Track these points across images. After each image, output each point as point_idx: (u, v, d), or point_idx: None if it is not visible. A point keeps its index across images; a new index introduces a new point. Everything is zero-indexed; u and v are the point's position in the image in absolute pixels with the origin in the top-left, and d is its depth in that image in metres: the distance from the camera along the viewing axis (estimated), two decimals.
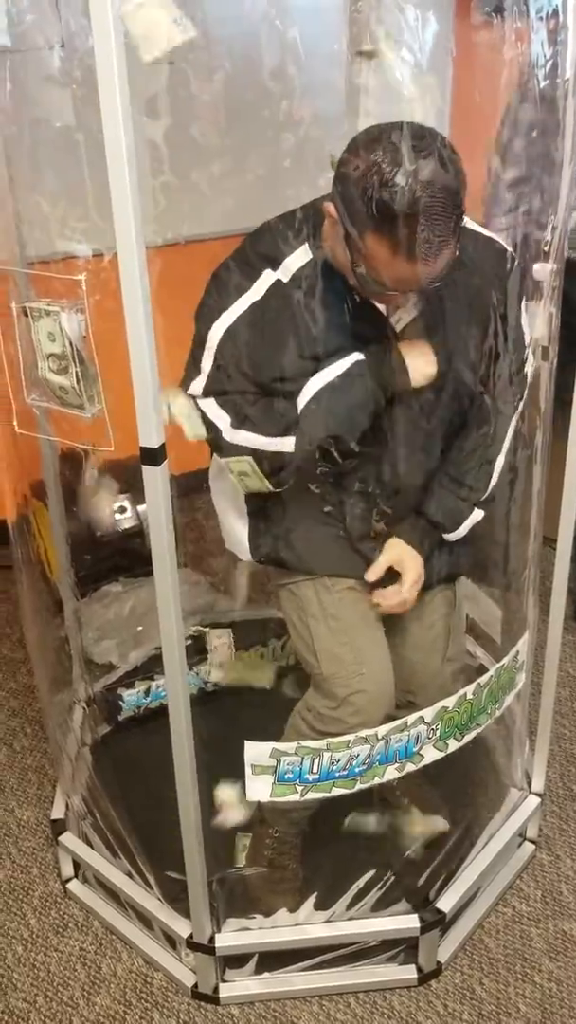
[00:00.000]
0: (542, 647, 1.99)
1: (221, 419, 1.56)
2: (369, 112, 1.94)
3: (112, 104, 1.06)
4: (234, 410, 1.56)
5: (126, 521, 2.85)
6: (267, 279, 1.49)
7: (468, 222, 1.49)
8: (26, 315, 1.32)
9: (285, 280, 1.48)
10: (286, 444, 1.54)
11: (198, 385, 1.56)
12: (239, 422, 1.57)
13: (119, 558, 2.82)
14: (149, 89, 1.18)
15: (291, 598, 1.75)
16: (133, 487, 2.85)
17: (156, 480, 1.30)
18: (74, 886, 2.11)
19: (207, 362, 1.57)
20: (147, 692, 2.48)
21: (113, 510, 2.84)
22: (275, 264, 1.49)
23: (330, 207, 1.37)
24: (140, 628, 2.67)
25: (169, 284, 1.30)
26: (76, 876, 2.13)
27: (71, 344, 1.30)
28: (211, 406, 1.57)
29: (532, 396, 1.72)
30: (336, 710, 1.71)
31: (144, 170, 1.11)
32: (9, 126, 1.42)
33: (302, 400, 1.52)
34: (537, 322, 1.63)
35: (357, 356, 1.52)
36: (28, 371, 1.38)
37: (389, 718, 1.69)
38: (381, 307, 1.53)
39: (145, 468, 1.29)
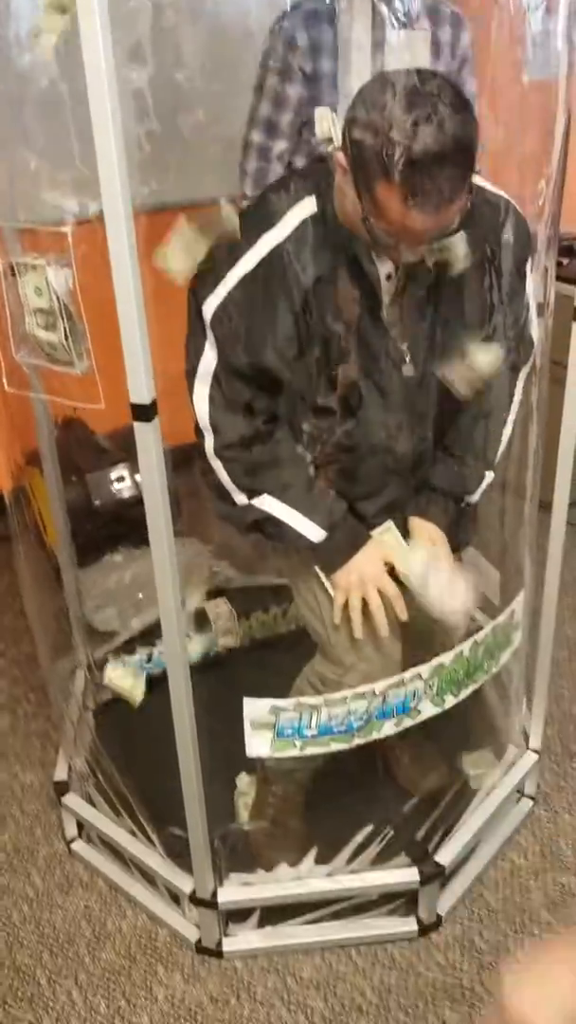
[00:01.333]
0: (539, 608, 2.00)
1: (205, 422, 1.57)
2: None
3: (95, 54, 1.06)
4: (223, 429, 1.57)
5: (125, 490, 2.87)
6: (263, 245, 1.46)
7: (481, 181, 1.49)
8: (12, 272, 1.32)
9: (285, 234, 1.45)
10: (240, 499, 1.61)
11: (198, 372, 1.54)
12: (220, 447, 1.58)
13: (118, 527, 2.83)
14: (132, 36, 1.17)
15: (298, 567, 1.75)
16: (132, 456, 2.86)
17: (148, 437, 1.30)
18: (78, 846, 2.14)
19: (209, 347, 1.53)
20: (149, 658, 2.49)
21: (111, 479, 2.86)
22: (275, 221, 1.46)
23: (340, 157, 1.35)
24: (141, 596, 2.68)
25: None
26: (80, 836, 2.15)
27: (58, 299, 1.30)
28: (202, 399, 1.56)
29: None
30: (343, 676, 1.71)
31: (128, 119, 1.10)
32: None
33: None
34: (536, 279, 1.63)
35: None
36: (16, 328, 1.38)
37: None
38: (382, 270, 1.50)
39: (137, 425, 1.29)
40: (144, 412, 1.28)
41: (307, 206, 1.47)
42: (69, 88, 1.19)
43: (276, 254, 1.45)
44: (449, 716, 1.80)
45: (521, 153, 1.63)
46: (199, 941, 1.92)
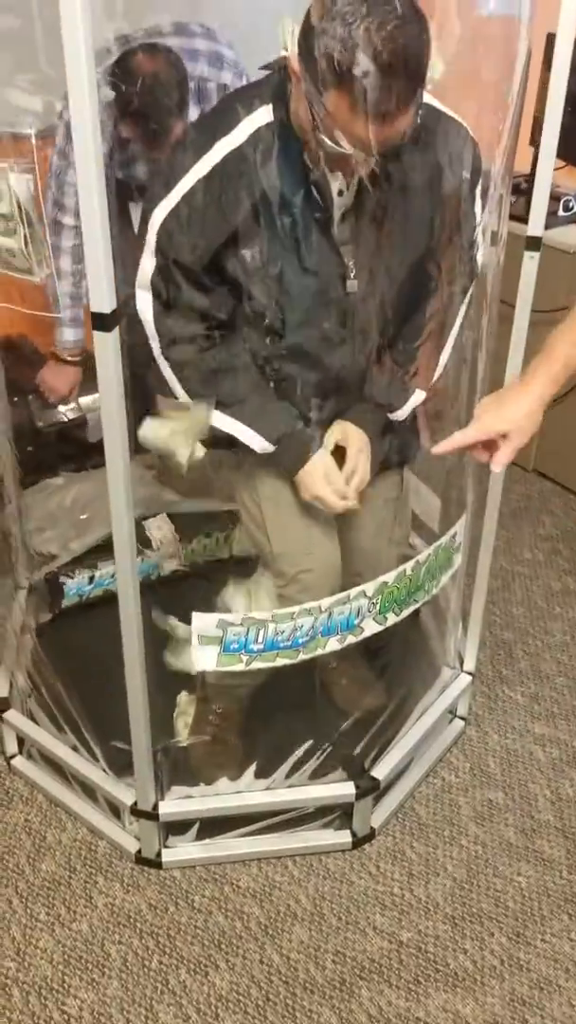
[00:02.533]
0: (477, 538, 2.06)
1: (151, 328, 1.58)
2: None
3: None
4: (168, 328, 1.58)
5: (69, 412, 2.84)
6: (218, 151, 1.46)
7: (428, 98, 1.48)
8: None
9: (240, 141, 1.45)
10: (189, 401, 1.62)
11: (138, 279, 1.55)
12: (166, 345, 1.59)
13: (62, 448, 2.81)
14: None
15: (244, 479, 1.77)
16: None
17: (108, 347, 1.30)
18: (18, 762, 2.16)
19: (148, 252, 1.54)
20: (90, 580, 2.50)
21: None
22: (231, 127, 1.45)
23: (293, 63, 1.34)
24: (83, 517, 2.67)
25: None
26: (20, 752, 2.17)
27: (19, 204, 1.28)
28: (146, 303, 1.57)
29: (480, 281, 1.74)
30: (285, 588, 1.76)
31: (98, 16, 1.08)
32: None
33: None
34: (489, 205, 1.64)
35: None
36: None
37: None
38: (334, 185, 1.50)
39: (96, 334, 1.29)
40: (104, 321, 1.27)
41: (263, 115, 1.46)
42: None
43: (230, 159, 1.45)
44: (387, 637, 1.87)
45: (481, 84, 1.64)
46: (139, 852, 1.97)
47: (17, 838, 2.03)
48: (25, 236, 1.31)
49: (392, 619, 1.78)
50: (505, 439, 1.37)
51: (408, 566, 1.74)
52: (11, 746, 2.17)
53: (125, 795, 1.92)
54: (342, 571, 1.82)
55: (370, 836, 2.03)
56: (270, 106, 1.46)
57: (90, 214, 1.20)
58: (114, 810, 2.00)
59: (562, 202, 2.93)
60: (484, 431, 1.39)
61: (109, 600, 2.44)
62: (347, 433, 1.70)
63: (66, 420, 2.81)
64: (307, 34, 1.30)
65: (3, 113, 1.31)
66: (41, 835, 2.03)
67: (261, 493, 1.76)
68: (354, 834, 2.01)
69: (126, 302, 1.53)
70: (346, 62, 1.26)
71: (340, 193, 1.52)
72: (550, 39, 1.62)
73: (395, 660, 2.17)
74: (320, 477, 1.67)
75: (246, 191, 1.46)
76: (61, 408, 2.78)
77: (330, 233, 1.54)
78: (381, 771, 1.99)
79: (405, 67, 1.27)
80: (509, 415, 1.38)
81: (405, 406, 1.74)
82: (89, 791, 2.03)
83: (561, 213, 2.94)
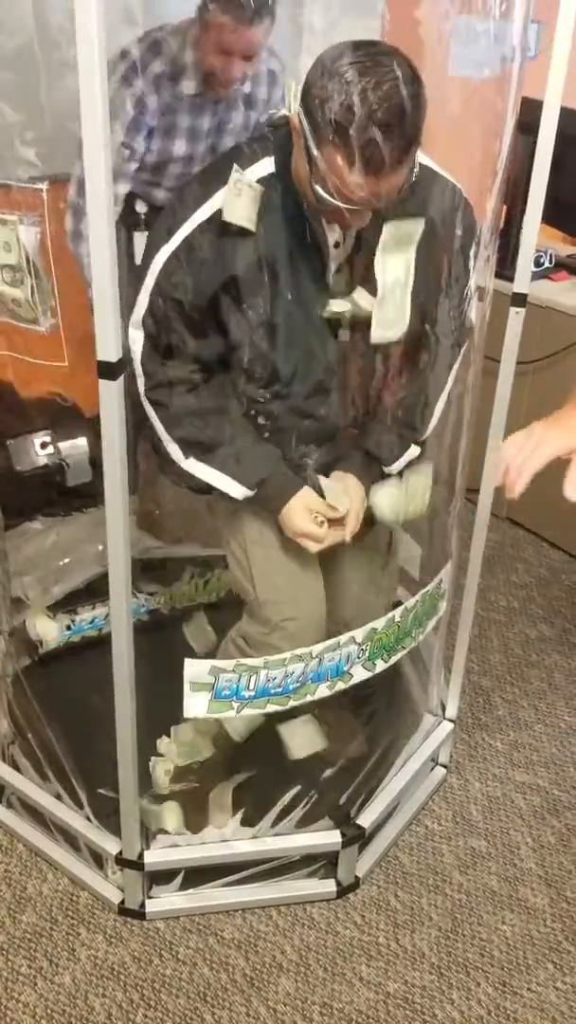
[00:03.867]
0: (456, 586, 2.09)
1: (138, 367, 1.61)
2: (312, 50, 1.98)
3: (87, 18, 1.07)
4: (155, 369, 1.61)
5: (48, 457, 2.85)
6: (219, 198, 1.50)
7: (423, 157, 1.54)
8: None
9: (262, 175, 1.50)
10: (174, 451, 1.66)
11: (132, 317, 1.57)
12: (152, 387, 1.62)
13: (41, 493, 2.81)
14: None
15: (231, 524, 1.79)
16: (56, 424, 2.84)
17: (113, 395, 1.32)
18: None
19: (145, 292, 1.57)
20: (70, 626, 2.49)
21: (35, 445, 2.83)
22: (253, 159, 1.51)
23: (295, 119, 1.40)
24: (63, 562, 2.67)
25: None
26: (0, 801, 2.14)
27: (27, 256, 1.31)
28: (137, 343, 1.59)
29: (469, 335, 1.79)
30: (268, 636, 1.77)
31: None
32: None
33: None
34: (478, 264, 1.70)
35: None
36: None
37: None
38: (331, 237, 1.55)
39: (102, 383, 1.31)
40: (110, 370, 1.29)
41: (264, 166, 1.52)
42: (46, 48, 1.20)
43: (261, 184, 1.49)
44: (369, 684, 1.88)
45: (469, 146, 1.71)
46: (122, 903, 1.94)
47: None
48: (32, 287, 1.33)
49: (381, 665, 1.79)
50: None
51: (397, 613, 1.77)
52: None
53: (109, 844, 1.90)
54: (330, 619, 1.84)
55: (355, 885, 2.02)
56: (272, 158, 1.51)
57: (101, 264, 1.22)
58: (97, 860, 1.98)
59: (534, 258, 3.01)
60: (560, 449, 1.35)
61: (88, 645, 2.47)
62: (347, 486, 1.73)
63: (45, 465, 2.81)
64: (308, 91, 1.36)
65: (11, 166, 1.33)
66: (22, 886, 2.00)
67: (247, 538, 1.78)
68: (339, 883, 2.00)
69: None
70: (343, 119, 1.32)
71: (336, 245, 1.57)
72: (525, 103, 1.69)
73: (378, 708, 2.18)
74: (301, 512, 1.68)
75: (244, 239, 1.50)
76: (40, 453, 2.79)
77: (325, 283, 1.58)
78: (367, 818, 1.99)
79: (400, 126, 1.33)
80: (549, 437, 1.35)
81: (399, 461, 1.76)
82: (71, 840, 2.01)
83: (533, 269, 3.02)
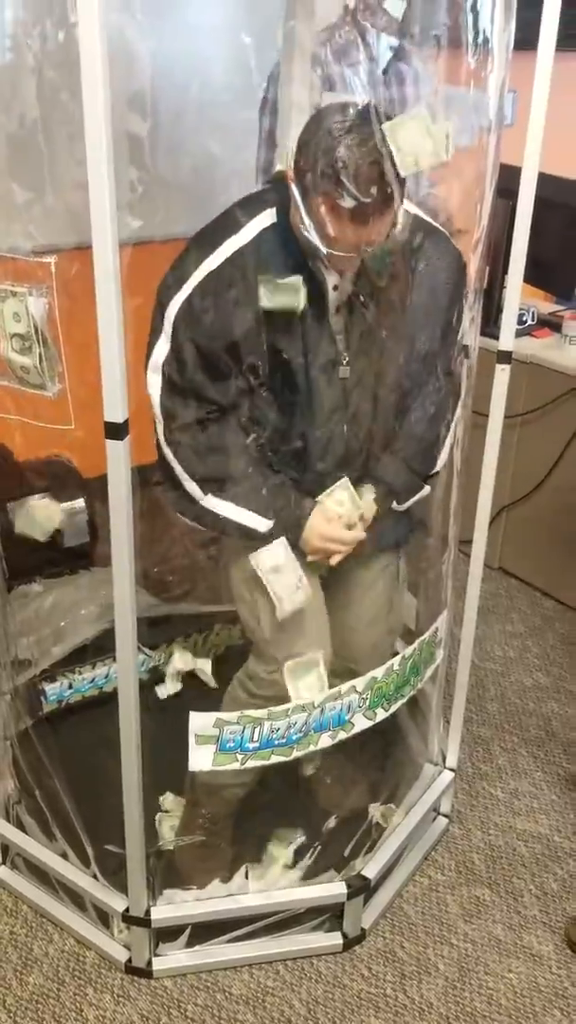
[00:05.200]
0: (457, 627, 2.14)
1: (158, 410, 1.68)
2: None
3: (94, 98, 1.15)
4: (174, 410, 1.68)
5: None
6: (228, 247, 1.61)
7: (422, 214, 1.69)
8: None
9: (247, 239, 1.61)
10: (193, 489, 1.72)
11: (151, 363, 1.66)
12: (171, 428, 1.69)
13: (39, 555, 2.84)
14: (130, 86, 1.27)
15: (239, 563, 1.83)
16: (54, 487, 2.89)
17: (119, 454, 1.37)
18: (2, 872, 2.13)
19: (165, 337, 1.66)
20: (70, 686, 2.52)
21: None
22: (239, 228, 1.62)
23: (289, 171, 1.53)
24: (63, 624, 2.70)
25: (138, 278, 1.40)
26: (4, 862, 2.15)
27: (35, 326, 1.37)
28: (155, 386, 1.67)
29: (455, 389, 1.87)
30: (274, 674, 1.80)
31: (122, 162, 1.20)
32: None
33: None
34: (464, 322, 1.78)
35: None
36: None
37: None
38: (330, 280, 1.65)
39: (109, 442, 1.36)
40: (116, 431, 1.35)
41: (267, 217, 1.63)
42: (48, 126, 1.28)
43: (238, 255, 1.61)
44: (369, 735, 1.91)
45: (452, 212, 1.80)
46: (128, 961, 1.94)
47: (3, 951, 1.99)
48: (40, 355, 1.40)
49: (381, 714, 1.82)
50: None
51: (395, 661, 1.81)
52: None
53: (116, 901, 1.91)
54: (338, 659, 1.88)
55: (361, 937, 2.03)
56: (273, 210, 1.63)
57: (108, 330, 1.29)
58: (103, 918, 1.98)
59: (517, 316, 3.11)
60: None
61: (88, 705, 2.49)
62: (366, 502, 1.79)
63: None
64: (299, 148, 1.51)
65: (20, 241, 1.41)
66: (27, 947, 2.00)
67: (254, 576, 1.82)
68: (345, 935, 2.01)
69: None
70: (329, 172, 1.46)
71: (335, 288, 1.67)
72: (503, 168, 1.79)
73: (378, 759, 2.20)
74: (323, 522, 1.74)
75: (252, 283, 1.62)
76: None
77: (324, 323, 1.68)
78: (371, 869, 2.00)
79: (380, 180, 1.46)
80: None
81: (410, 499, 1.83)
82: (77, 899, 2.01)
83: (517, 326, 3.12)
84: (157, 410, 1.69)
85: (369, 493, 1.80)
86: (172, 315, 1.63)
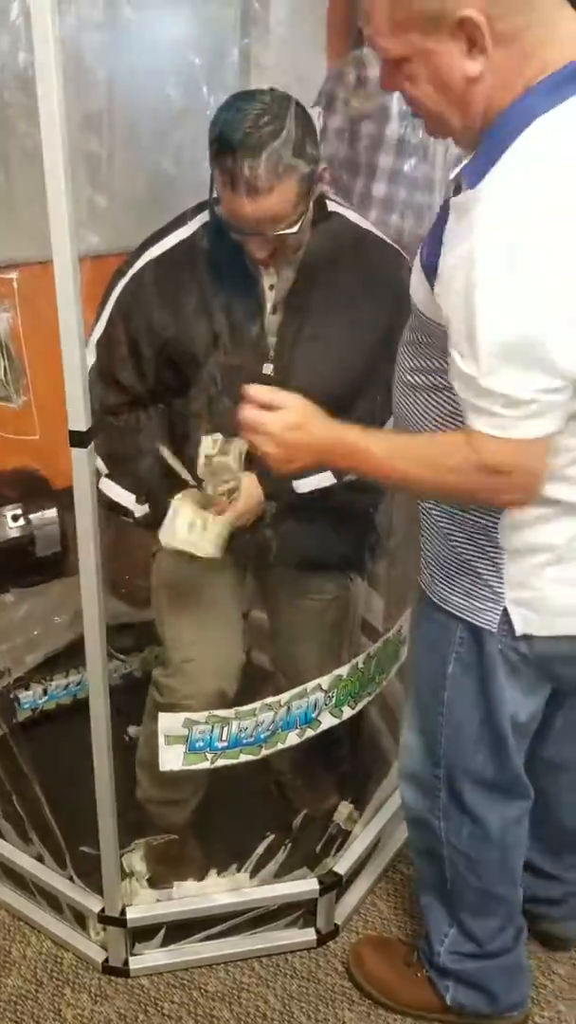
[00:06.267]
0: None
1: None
2: None
3: (51, 117, 1.19)
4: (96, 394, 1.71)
5: (18, 529, 2.93)
6: (172, 239, 1.69)
7: (352, 216, 1.75)
8: None
9: (189, 233, 1.69)
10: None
11: (89, 341, 1.72)
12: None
13: (11, 565, 2.88)
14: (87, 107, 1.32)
15: (154, 565, 1.92)
16: (25, 497, 2.93)
17: (84, 462, 1.41)
18: None
19: (103, 319, 1.74)
20: (44, 692, 2.55)
21: (7, 517, 2.91)
22: (184, 223, 1.70)
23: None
24: (35, 633, 2.72)
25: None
26: None
27: (0, 341, 1.41)
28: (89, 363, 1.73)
29: None
30: (169, 677, 1.86)
31: (79, 180, 1.24)
32: None
33: None
34: None
35: None
36: None
37: (228, 700, 1.82)
38: (266, 280, 1.70)
39: (74, 450, 1.40)
40: (80, 439, 1.39)
41: (205, 215, 1.70)
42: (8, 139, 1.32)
43: (179, 246, 1.70)
44: (338, 734, 1.96)
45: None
46: (105, 961, 1.97)
47: None
48: (5, 368, 1.44)
49: (348, 712, 1.87)
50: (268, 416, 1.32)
51: (360, 659, 1.85)
52: None
53: (92, 902, 1.94)
54: (288, 680, 1.93)
55: (334, 932, 2.07)
56: (209, 210, 1.69)
57: (70, 340, 1.33)
58: (79, 920, 2.01)
59: None
60: (271, 399, 1.33)
61: (63, 712, 2.53)
62: (247, 486, 1.76)
63: (18, 537, 2.89)
64: (210, 127, 1.56)
65: None
66: (5, 950, 2.03)
67: (161, 577, 1.90)
68: (318, 931, 2.04)
69: None
70: (215, 143, 1.53)
71: (271, 287, 1.73)
72: None
73: (347, 757, 2.24)
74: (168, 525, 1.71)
75: (190, 275, 1.68)
76: (12, 525, 2.87)
77: (257, 321, 1.73)
78: (343, 865, 2.04)
79: (266, 151, 1.48)
80: (293, 403, 1.32)
81: (306, 479, 1.76)
82: (53, 902, 2.04)
83: None
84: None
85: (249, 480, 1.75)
86: (112, 299, 1.71)
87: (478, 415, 1.16)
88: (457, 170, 1.19)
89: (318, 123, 2.14)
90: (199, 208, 1.70)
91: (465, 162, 1.18)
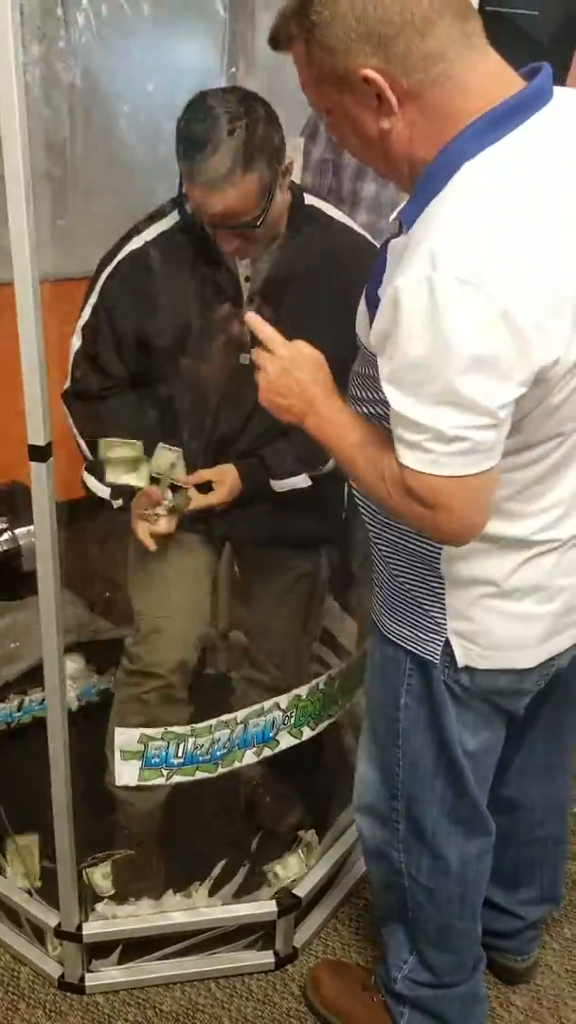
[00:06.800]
0: None
1: (69, 368, 1.83)
2: None
3: (12, 136, 1.22)
4: (77, 376, 1.83)
5: (4, 543, 2.94)
6: (154, 229, 1.75)
7: (329, 209, 1.80)
8: None
9: (167, 227, 1.74)
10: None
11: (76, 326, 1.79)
12: (72, 393, 1.84)
13: None
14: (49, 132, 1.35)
15: (131, 541, 1.94)
16: (13, 510, 2.95)
17: (42, 476, 1.43)
18: None
19: (89, 305, 1.79)
20: (20, 706, 2.56)
21: None
22: (165, 214, 1.76)
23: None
24: (14, 645, 2.74)
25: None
26: None
27: None
28: (74, 347, 1.82)
29: None
30: (136, 646, 1.93)
31: (44, 202, 1.27)
32: None
33: None
34: None
35: None
36: None
37: (189, 669, 1.92)
38: (241, 272, 1.75)
39: (33, 464, 1.42)
40: (40, 453, 1.41)
41: (187, 207, 1.73)
42: None
43: (161, 237, 1.74)
44: (308, 757, 1.97)
45: None
46: (62, 977, 1.97)
47: None
48: None
49: (308, 732, 1.87)
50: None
51: (321, 680, 1.86)
52: None
53: (50, 917, 1.95)
54: (256, 664, 2.02)
55: (293, 956, 2.06)
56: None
57: (29, 354, 1.36)
58: (38, 935, 2.02)
59: None
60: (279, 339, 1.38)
61: (39, 725, 2.52)
62: (224, 476, 1.85)
63: (5, 551, 2.90)
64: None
65: None
66: None
67: (133, 553, 1.96)
68: (276, 954, 2.04)
69: None
70: (179, 136, 1.57)
71: (247, 279, 1.77)
72: None
73: (311, 778, 2.25)
74: (139, 501, 1.81)
75: (168, 267, 1.73)
76: None
77: (233, 310, 1.78)
78: (302, 888, 2.04)
79: (226, 142, 1.53)
80: (306, 351, 1.37)
81: (286, 480, 1.86)
82: (13, 916, 2.05)
83: None
84: (68, 367, 1.82)
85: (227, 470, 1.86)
86: (97, 288, 1.76)
87: (408, 448, 1.16)
88: (396, 212, 1.21)
89: (298, 153, 2.18)
90: (175, 201, 1.75)
91: (402, 205, 1.20)
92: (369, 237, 1.84)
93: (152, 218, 1.78)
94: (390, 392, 1.15)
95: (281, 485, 1.86)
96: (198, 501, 1.81)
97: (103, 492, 1.84)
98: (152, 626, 1.90)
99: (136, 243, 1.77)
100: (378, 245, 1.80)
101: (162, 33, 1.80)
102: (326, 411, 1.33)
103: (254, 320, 1.38)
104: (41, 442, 1.41)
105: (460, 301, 1.05)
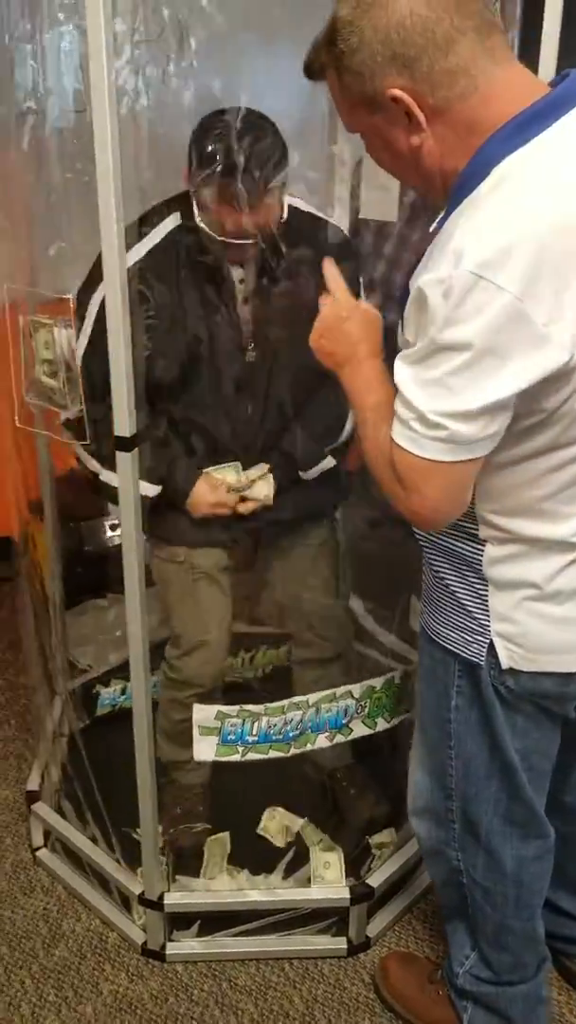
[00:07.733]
0: None
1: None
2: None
3: (105, 160, 1.36)
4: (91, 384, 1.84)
5: (116, 538, 3.12)
6: (140, 248, 1.79)
7: (303, 205, 1.88)
8: (31, 328, 1.61)
9: (156, 242, 1.81)
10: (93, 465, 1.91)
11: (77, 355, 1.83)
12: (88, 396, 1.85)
13: (107, 571, 3.06)
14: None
15: (159, 568, 2.11)
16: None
17: (127, 464, 1.56)
18: (43, 854, 2.32)
19: (84, 336, 1.82)
20: (123, 691, 2.71)
21: (105, 526, 3.10)
22: (150, 229, 1.83)
23: (185, 168, 1.73)
24: (119, 634, 2.89)
25: None
26: (46, 846, 2.33)
27: (61, 353, 1.58)
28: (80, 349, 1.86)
29: None
30: (178, 659, 2.14)
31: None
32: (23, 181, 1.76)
33: None
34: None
35: None
36: (28, 373, 1.67)
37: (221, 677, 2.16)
38: (236, 274, 1.84)
39: (118, 454, 1.55)
40: (125, 444, 1.54)
41: (172, 221, 1.84)
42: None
43: (149, 255, 1.80)
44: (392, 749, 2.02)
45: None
46: (145, 944, 2.09)
47: (35, 925, 2.17)
48: (64, 378, 1.61)
49: (383, 724, 1.93)
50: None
51: (397, 674, 1.92)
52: (37, 838, 2.33)
53: (135, 885, 2.07)
54: (296, 628, 2.18)
55: (365, 945, 2.11)
56: (178, 214, 1.83)
57: (117, 353, 1.49)
58: (125, 903, 2.14)
59: None
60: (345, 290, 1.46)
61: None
62: (262, 470, 1.99)
63: (117, 546, 3.07)
64: (189, 150, 1.71)
65: (51, 279, 1.65)
66: (57, 923, 2.17)
67: (161, 579, 2.10)
68: (350, 941, 2.10)
69: None
70: (198, 159, 1.67)
71: (242, 281, 1.87)
72: None
73: (396, 772, 2.29)
74: (208, 489, 1.95)
75: (165, 282, 1.82)
76: (110, 534, 3.06)
77: (232, 313, 1.87)
78: (376, 879, 2.09)
79: (259, 170, 1.64)
80: (351, 306, 1.45)
81: (314, 468, 2.01)
82: (104, 883, 2.18)
83: None
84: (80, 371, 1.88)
85: (257, 470, 1.98)
86: (92, 313, 1.76)
87: (399, 424, 1.23)
88: (435, 223, 1.28)
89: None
90: (160, 214, 1.82)
91: (441, 215, 1.26)
92: (342, 228, 1.97)
93: (139, 235, 1.80)
94: (396, 365, 1.22)
95: (310, 473, 1.99)
96: (253, 503, 1.97)
97: (151, 491, 1.90)
98: (192, 645, 2.11)
99: (128, 261, 1.81)
100: (343, 230, 1.95)
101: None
102: (363, 367, 1.41)
103: (330, 269, 1.47)
104: (127, 434, 1.53)
105: (475, 294, 1.10)
